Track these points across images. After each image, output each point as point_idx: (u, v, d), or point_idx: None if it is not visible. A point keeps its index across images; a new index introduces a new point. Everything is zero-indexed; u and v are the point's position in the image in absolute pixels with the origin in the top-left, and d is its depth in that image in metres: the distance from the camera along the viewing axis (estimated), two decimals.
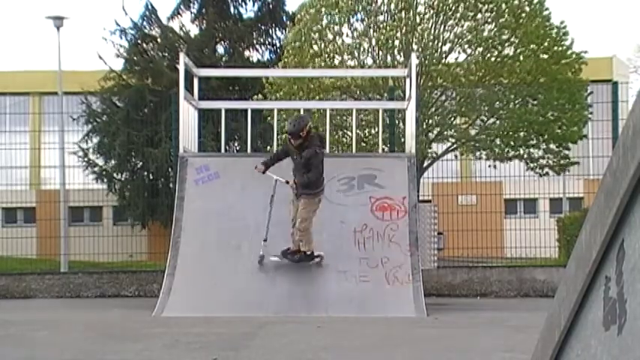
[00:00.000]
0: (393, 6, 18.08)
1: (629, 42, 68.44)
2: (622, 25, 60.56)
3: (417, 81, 13.80)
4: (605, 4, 60.93)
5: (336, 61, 18.60)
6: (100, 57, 24.39)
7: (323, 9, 18.59)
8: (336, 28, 18.62)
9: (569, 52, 18.13)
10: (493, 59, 18.00)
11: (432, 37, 18.16)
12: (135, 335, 8.44)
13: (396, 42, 18.25)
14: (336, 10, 18.30)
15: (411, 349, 7.52)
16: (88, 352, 7.42)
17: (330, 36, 18.67)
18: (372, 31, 18.36)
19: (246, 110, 13.94)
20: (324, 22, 18.68)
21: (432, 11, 18.07)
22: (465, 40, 18.10)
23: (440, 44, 18.22)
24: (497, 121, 18.48)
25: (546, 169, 18.30)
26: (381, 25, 18.16)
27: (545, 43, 18.00)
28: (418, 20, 18.15)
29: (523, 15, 17.90)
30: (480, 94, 18.41)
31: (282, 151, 10.88)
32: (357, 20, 18.66)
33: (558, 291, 2.10)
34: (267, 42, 26.49)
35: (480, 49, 18.08)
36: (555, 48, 18.02)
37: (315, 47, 18.60)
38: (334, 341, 8.03)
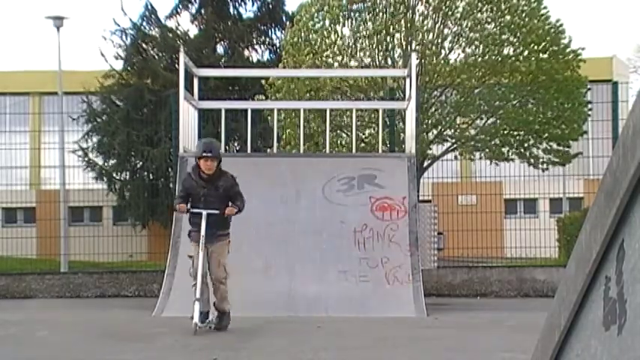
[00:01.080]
0: (390, 4, 18.06)
1: (629, 42, 68.46)
2: (622, 25, 60.57)
3: (417, 81, 13.79)
4: (605, 4, 60.94)
5: (336, 64, 18.57)
6: (102, 54, 24.42)
7: (321, 7, 18.57)
8: (333, 26, 18.59)
9: (566, 50, 18.13)
10: (493, 58, 17.99)
11: (432, 36, 18.16)
12: (135, 335, 8.44)
13: (396, 42, 18.25)
14: (331, 8, 18.26)
15: (411, 349, 7.52)
16: (88, 352, 7.42)
17: (329, 34, 18.64)
18: (369, 25, 18.31)
19: (246, 110, 13.96)
20: (325, 21, 18.65)
21: (430, 9, 18.06)
22: (465, 39, 18.08)
23: (440, 41, 18.21)
24: (497, 121, 18.47)
25: (548, 164, 18.26)
26: (376, 24, 18.13)
27: (544, 43, 18.00)
28: (417, 19, 18.14)
29: (522, 14, 17.89)
30: (480, 93, 18.39)
31: (185, 190, 8.68)
32: (354, 20, 18.64)
33: (558, 291, 2.10)
34: (266, 42, 26.49)
35: (480, 49, 18.07)
36: (553, 47, 18.02)
37: (315, 46, 18.58)
38: (334, 341, 8.03)
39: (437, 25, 18.13)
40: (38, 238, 18.18)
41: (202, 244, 8.26)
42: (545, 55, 17.95)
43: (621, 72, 29.21)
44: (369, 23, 18.27)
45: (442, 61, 18.11)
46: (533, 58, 17.76)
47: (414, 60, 12.36)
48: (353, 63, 18.59)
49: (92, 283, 13.50)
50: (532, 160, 18.03)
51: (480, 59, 18.06)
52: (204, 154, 8.40)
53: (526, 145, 18.22)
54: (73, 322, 9.99)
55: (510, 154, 18.04)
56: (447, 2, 17.76)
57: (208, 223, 8.28)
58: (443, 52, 18.33)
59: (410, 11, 18.07)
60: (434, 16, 18.08)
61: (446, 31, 18.24)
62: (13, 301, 13.01)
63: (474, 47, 18.15)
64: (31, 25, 64.20)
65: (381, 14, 18.23)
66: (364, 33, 18.38)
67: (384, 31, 17.94)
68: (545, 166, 18.13)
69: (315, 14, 18.69)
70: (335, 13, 18.32)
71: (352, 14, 18.57)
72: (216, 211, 8.29)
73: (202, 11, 25.93)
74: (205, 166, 8.41)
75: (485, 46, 17.91)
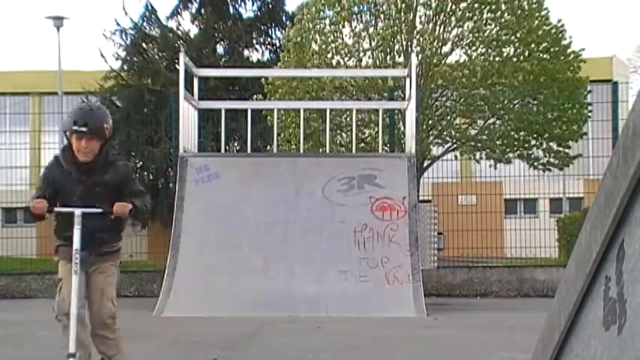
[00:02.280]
0: (393, 8, 18.04)
1: (629, 42, 68.51)
2: (622, 25, 60.59)
3: (418, 82, 13.79)
4: (605, 4, 60.95)
5: (335, 62, 18.55)
6: (102, 55, 24.41)
7: (325, 7, 18.56)
8: (337, 27, 18.57)
9: (567, 50, 18.12)
10: (492, 59, 17.98)
11: (432, 38, 18.14)
12: (135, 335, 8.42)
13: (396, 44, 18.23)
14: (337, 9, 18.26)
15: (411, 349, 7.52)
16: None
17: (331, 35, 18.63)
18: (372, 29, 18.32)
19: (246, 110, 13.97)
20: (326, 20, 18.63)
21: (431, 11, 18.04)
22: (465, 41, 18.07)
23: (440, 44, 18.20)
24: (498, 121, 18.46)
25: (548, 166, 18.26)
26: (380, 28, 18.13)
27: (545, 43, 17.99)
28: (418, 21, 18.13)
29: (522, 14, 17.88)
30: (481, 94, 18.37)
31: (49, 186, 5.24)
32: (357, 21, 18.61)
33: (558, 291, 2.10)
34: (266, 42, 26.49)
35: (481, 50, 18.05)
36: (554, 48, 18.00)
37: (315, 46, 18.57)
38: (334, 341, 8.03)
39: (438, 28, 18.11)
40: (38, 238, 18.16)
41: (77, 264, 5.12)
42: (547, 56, 17.94)
43: (621, 72, 29.21)
44: (372, 29, 18.26)
45: (443, 63, 18.10)
46: (531, 55, 17.75)
47: (414, 60, 12.36)
48: (352, 62, 18.58)
49: None
50: (535, 164, 18.03)
51: (482, 58, 18.04)
52: (76, 129, 5.14)
53: (527, 145, 18.21)
54: None
55: (511, 155, 18.01)
56: (448, 4, 17.75)
57: (88, 231, 5.11)
58: (444, 53, 18.32)
59: (412, 13, 18.05)
60: (434, 18, 18.07)
61: (446, 33, 18.22)
62: (13, 301, 13.02)
63: (474, 48, 18.14)
64: (31, 25, 64.26)
65: (384, 18, 18.22)
66: (366, 34, 18.37)
67: (390, 37, 17.92)
68: (544, 167, 18.13)
69: (317, 14, 18.66)
70: (337, 16, 18.30)
71: (355, 16, 18.55)
72: (99, 210, 5.13)
73: (202, 11, 25.93)
74: (79, 146, 5.15)
75: (486, 46, 17.90)
